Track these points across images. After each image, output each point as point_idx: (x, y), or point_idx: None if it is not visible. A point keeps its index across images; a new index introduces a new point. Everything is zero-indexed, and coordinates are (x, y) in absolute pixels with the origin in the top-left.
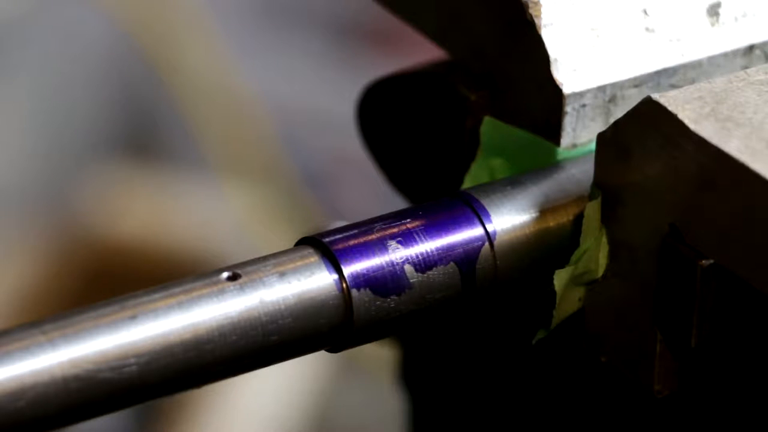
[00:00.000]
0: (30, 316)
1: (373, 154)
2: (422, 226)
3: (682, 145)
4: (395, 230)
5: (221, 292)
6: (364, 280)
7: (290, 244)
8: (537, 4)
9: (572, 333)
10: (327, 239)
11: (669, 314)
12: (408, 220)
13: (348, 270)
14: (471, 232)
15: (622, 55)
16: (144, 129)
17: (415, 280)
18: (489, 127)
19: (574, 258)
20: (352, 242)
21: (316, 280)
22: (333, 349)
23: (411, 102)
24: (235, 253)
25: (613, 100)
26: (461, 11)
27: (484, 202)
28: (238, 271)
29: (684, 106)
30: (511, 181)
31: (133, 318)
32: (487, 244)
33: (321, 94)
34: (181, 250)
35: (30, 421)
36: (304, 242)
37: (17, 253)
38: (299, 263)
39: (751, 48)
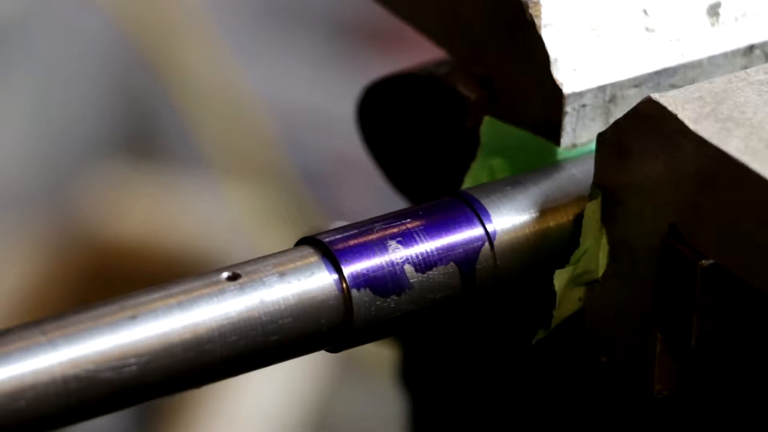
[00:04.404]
0: (30, 316)
1: (373, 154)
2: (422, 226)
3: (682, 145)
4: (395, 230)
5: (221, 292)
6: (364, 280)
7: (290, 244)
8: (537, 4)
9: (572, 333)
10: (327, 239)
11: (669, 314)
12: (408, 220)
13: (348, 270)
14: (471, 232)
15: (622, 55)
16: (144, 129)
17: (415, 280)
18: (489, 127)
19: (574, 258)
20: (352, 242)
21: (316, 280)
22: (333, 349)
23: (411, 102)
24: (235, 253)
25: (613, 100)
26: (461, 11)
27: (484, 202)
28: (238, 271)
29: (684, 106)
30: (511, 181)
31: (133, 318)
32: (487, 244)
33: (321, 95)
34: (181, 250)
35: (30, 421)
36: (304, 242)
37: (17, 253)
38: (299, 263)
39: (751, 48)
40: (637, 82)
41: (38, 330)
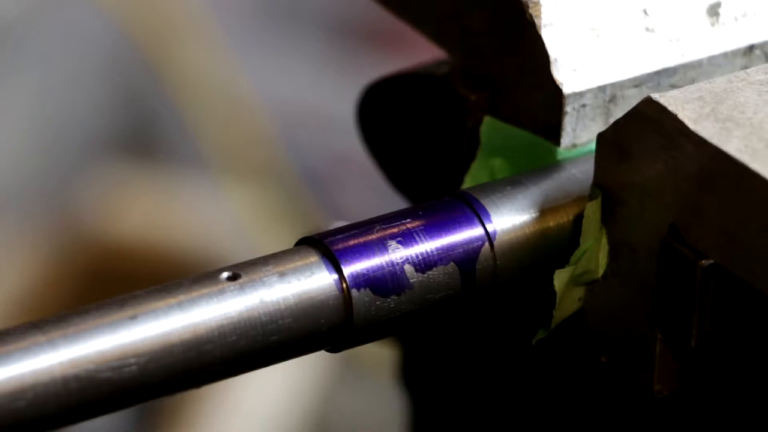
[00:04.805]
0: (30, 316)
1: (373, 154)
2: (422, 226)
3: (682, 145)
4: (395, 230)
5: (221, 292)
6: (364, 280)
7: (290, 244)
8: (537, 4)
9: (572, 333)
10: (327, 239)
11: (669, 314)
12: (408, 220)
13: (348, 270)
14: (471, 232)
15: (622, 55)
16: (144, 129)
17: (415, 280)
18: (489, 127)
19: (574, 258)
20: (352, 242)
21: (316, 280)
22: (333, 349)
23: (411, 102)
24: (235, 253)
25: (613, 100)
26: (461, 12)
27: (484, 202)
28: (238, 271)
29: (684, 106)
30: (511, 181)
31: (133, 318)
32: (487, 244)
33: (321, 94)
34: (181, 250)
35: (30, 421)
36: (304, 242)
37: (17, 253)
38: (299, 263)
39: (751, 48)
40: (637, 82)
41: (38, 330)
